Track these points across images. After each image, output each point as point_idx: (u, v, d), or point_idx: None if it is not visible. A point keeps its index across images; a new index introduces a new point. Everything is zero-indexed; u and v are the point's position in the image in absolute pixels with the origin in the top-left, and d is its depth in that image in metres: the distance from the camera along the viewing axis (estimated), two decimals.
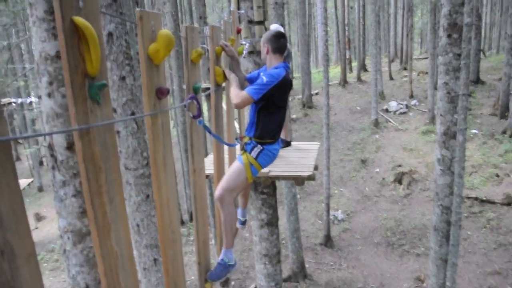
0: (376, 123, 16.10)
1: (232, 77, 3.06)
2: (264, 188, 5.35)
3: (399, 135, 15.01)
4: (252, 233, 6.28)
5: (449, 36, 5.26)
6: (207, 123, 2.61)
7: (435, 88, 16.40)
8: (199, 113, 2.37)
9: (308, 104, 19.94)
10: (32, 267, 1.03)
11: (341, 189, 13.04)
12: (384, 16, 26.90)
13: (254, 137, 3.10)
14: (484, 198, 10.25)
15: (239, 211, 4.01)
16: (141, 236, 4.16)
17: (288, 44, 3.48)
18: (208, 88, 10.92)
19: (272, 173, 4.69)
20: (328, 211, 10.93)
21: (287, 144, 5.79)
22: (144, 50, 1.76)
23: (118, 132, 3.84)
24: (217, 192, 2.96)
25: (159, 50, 1.80)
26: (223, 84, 3.21)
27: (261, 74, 3.05)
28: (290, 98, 20.26)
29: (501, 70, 15.97)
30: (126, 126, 3.83)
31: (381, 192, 12.41)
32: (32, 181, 14.23)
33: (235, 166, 3.09)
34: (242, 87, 3.21)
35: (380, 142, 14.90)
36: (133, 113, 3.88)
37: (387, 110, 17.37)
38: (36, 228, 15.97)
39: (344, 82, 22.75)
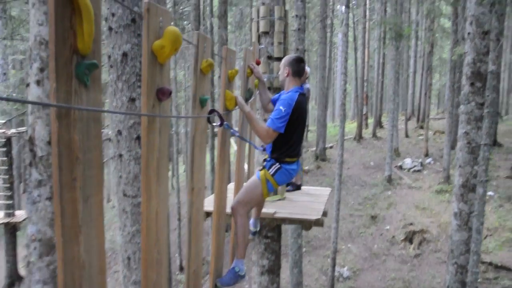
0: (389, 180, 15.74)
1: (248, 110, 3.00)
2: (269, 232, 5.06)
3: (412, 193, 14.59)
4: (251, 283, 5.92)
5: (472, 84, 5.11)
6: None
7: (452, 148, 16.18)
8: (222, 120, 2.59)
9: (321, 156, 19.74)
10: None
11: (349, 245, 12.53)
12: (403, 74, 27.13)
13: (272, 156, 3.21)
14: (500, 264, 9.68)
15: (251, 221, 3.93)
16: (130, 270, 3.87)
17: (308, 85, 3.50)
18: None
19: (278, 215, 4.42)
20: (333, 267, 10.43)
21: (297, 187, 5.55)
22: (148, 44, 1.61)
23: (120, 155, 3.67)
24: (233, 203, 3.10)
25: (165, 46, 1.66)
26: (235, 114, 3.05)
27: (278, 104, 3.10)
28: (303, 150, 20.12)
29: None
30: (130, 150, 3.66)
31: (390, 251, 11.88)
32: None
33: (252, 181, 3.21)
34: (265, 108, 3.57)
35: (392, 199, 14.48)
36: (138, 137, 3.72)
37: (401, 167, 17.04)
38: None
39: (359, 137, 22.61)
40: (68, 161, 1.23)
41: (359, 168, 17.97)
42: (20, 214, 13.77)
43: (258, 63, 3.91)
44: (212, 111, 2.48)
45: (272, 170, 3.13)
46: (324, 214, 4.73)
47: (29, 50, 1.53)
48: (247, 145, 3.73)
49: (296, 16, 9.00)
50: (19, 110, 12.23)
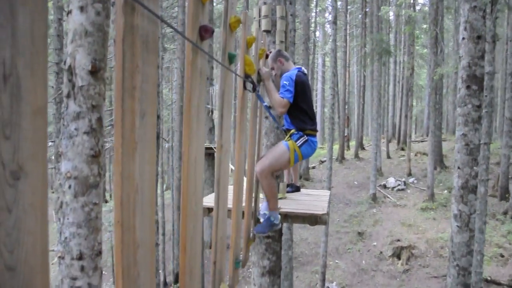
0: (374, 198, 15.79)
1: (271, 85, 3.36)
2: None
3: (398, 211, 14.64)
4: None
5: (468, 87, 5.19)
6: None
7: (435, 167, 16.41)
8: (255, 87, 2.86)
9: (305, 176, 19.78)
10: None
11: (337, 261, 12.40)
12: (384, 95, 27.68)
13: (297, 129, 3.47)
14: (489, 279, 9.70)
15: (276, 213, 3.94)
16: None
17: None
18: (210, 148, 10.77)
19: (283, 210, 4.31)
20: (323, 281, 10.28)
21: (297, 189, 5.47)
22: None
23: None
24: (259, 167, 3.34)
25: None
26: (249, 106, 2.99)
27: (281, 80, 3.50)
28: None
29: (498, 155, 16.05)
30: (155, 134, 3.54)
31: (379, 266, 11.79)
32: None
33: (280, 148, 3.45)
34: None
35: (378, 216, 14.49)
36: None
37: (385, 186, 17.15)
38: None
39: (342, 158, 22.78)
40: (130, 65, 1.13)
41: (343, 187, 18.01)
42: None
43: (267, 56, 3.90)
44: (247, 76, 2.65)
45: (299, 142, 3.41)
46: (328, 213, 4.65)
47: None
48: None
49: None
50: None
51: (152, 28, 1.23)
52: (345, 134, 25.37)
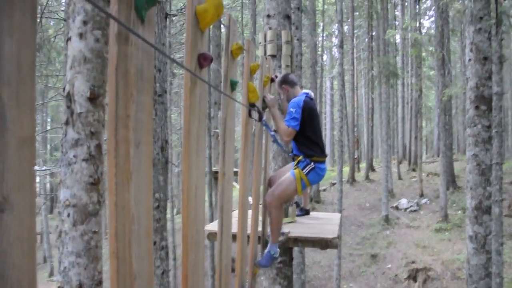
0: (387, 219, 15.55)
1: (276, 112, 3.39)
2: (280, 256, 4.85)
3: (411, 232, 14.38)
4: None
5: (476, 107, 5.14)
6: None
7: (447, 188, 16.16)
8: (261, 116, 2.95)
9: (316, 199, 19.62)
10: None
11: (351, 284, 12.13)
12: (393, 117, 27.59)
13: (305, 156, 3.48)
14: None
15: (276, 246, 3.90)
16: None
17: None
18: (216, 173, 10.75)
19: (293, 234, 4.25)
20: None
21: (306, 212, 5.40)
22: (192, 7, 1.56)
23: None
24: (268, 198, 3.43)
25: (208, 10, 1.61)
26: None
27: (288, 107, 3.51)
28: None
29: (511, 175, 15.80)
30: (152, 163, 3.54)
31: None
32: None
33: (287, 178, 3.48)
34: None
35: (391, 238, 14.23)
36: None
37: (397, 208, 16.90)
38: None
39: (352, 180, 22.59)
40: (124, 94, 1.13)
41: (354, 209, 17.78)
42: None
43: (272, 80, 3.91)
44: (253, 105, 2.71)
45: (306, 170, 3.43)
46: (339, 236, 4.56)
47: (72, 5, 1.45)
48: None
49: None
50: None
51: (146, 57, 1.23)
52: (355, 156, 25.22)
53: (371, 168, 25.58)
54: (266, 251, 3.55)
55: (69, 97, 1.41)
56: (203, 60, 1.62)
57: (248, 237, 3.17)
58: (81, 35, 1.41)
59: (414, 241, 13.51)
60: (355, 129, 25.97)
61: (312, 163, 3.44)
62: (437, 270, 11.52)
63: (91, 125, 1.43)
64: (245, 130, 2.55)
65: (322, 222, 4.85)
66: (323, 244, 4.18)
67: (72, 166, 1.41)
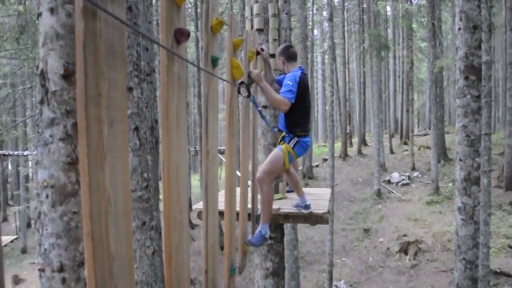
0: (379, 194, 15.70)
1: (266, 85, 3.39)
2: (272, 232, 4.88)
3: (403, 206, 14.54)
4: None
5: (466, 78, 5.12)
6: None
7: (439, 160, 16.28)
8: (249, 92, 3.00)
9: (308, 175, 19.71)
10: None
11: (344, 259, 12.31)
12: (385, 90, 27.55)
13: (289, 132, 3.67)
14: (499, 270, 9.58)
15: (299, 199, 4.15)
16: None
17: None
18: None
19: (283, 210, 4.26)
20: (330, 280, 10.19)
21: None
22: None
23: None
24: (258, 174, 3.52)
25: None
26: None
27: (285, 80, 3.56)
28: None
29: (501, 146, 15.92)
30: (128, 141, 3.49)
31: (386, 263, 11.70)
32: (16, 238, 13.43)
33: (275, 153, 3.63)
34: (272, 87, 3.75)
35: (383, 212, 14.40)
36: (136, 128, 3.57)
37: (389, 182, 17.05)
38: None
39: (344, 155, 22.69)
40: (93, 72, 1.09)
41: (347, 184, 17.92)
42: (2, 240, 13.37)
43: (258, 53, 3.87)
44: (241, 82, 2.80)
45: (291, 144, 3.61)
46: (329, 211, 4.58)
47: None
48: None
49: (282, 28, 9.05)
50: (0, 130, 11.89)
51: (117, 33, 1.18)
52: (347, 131, 25.27)
53: (363, 142, 25.68)
54: (257, 230, 3.61)
55: (43, 75, 1.36)
56: (179, 36, 1.57)
57: (238, 214, 3.17)
58: (52, 10, 1.35)
59: (405, 215, 13.67)
60: (347, 104, 25.94)
61: (296, 137, 3.62)
62: (428, 243, 11.70)
63: (67, 103, 1.39)
64: (230, 108, 2.51)
65: (312, 198, 4.84)
66: (314, 219, 4.20)
67: (48, 146, 1.38)
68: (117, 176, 1.20)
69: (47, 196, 1.40)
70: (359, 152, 23.26)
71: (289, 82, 3.46)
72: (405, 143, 22.84)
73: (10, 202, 26.76)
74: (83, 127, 1.05)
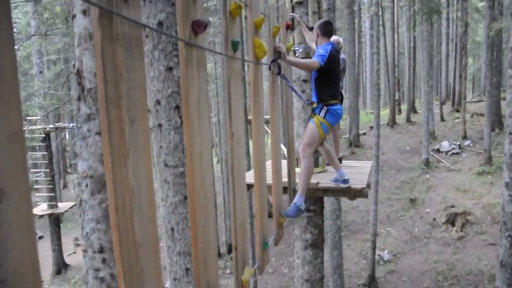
0: (427, 163, 15.29)
1: (291, 59, 3.43)
2: (311, 205, 4.96)
3: (452, 176, 14.11)
4: (292, 266, 5.85)
5: None
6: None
7: (492, 129, 15.54)
8: (280, 70, 3.10)
9: (355, 143, 19.46)
10: None
11: (388, 229, 12.25)
12: (435, 57, 26.28)
13: (319, 101, 3.80)
14: None
15: (337, 173, 4.23)
16: (174, 241, 3.86)
17: (344, 56, 4.52)
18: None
19: (322, 185, 4.31)
20: (374, 250, 10.23)
21: (338, 160, 5.42)
22: None
23: (160, 125, 3.65)
24: (300, 147, 3.76)
25: None
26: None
27: (316, 51, 3.72)
28: None
29: None
30: (169, 119, 3.63)
31: (432, 234, 11.53)
32: (74, 205, 14.41)
33: (309, 127, 3.79)
34: (310, 45, 4.26)
35: (431, 182, 14.06)
36: (177, 106, 3.68)
37: (438, 151, 16.53)
38: (74, 253, 16.01)
39: (393, 122, 22.11)
40: (113, 76, 1.17)
41: (394, 153, 17.56)
42: (62, 206, 14.34)
43: (288, 27, 3.87)
44: (273, 61, 2.97)
45: (322, 114, 3.73)
46: (368, 185, 4.58)
47: None
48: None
49: None
50: (56, 104, 12.56)
51: (135, 35, 1.25)
52: (396, 98, 24.50)
53: (412, 109, 24.85)
54: (293, 202, 3.71)
55: (79, 74, 1.47)
56: (197, 27, 1.62)
57: (270, 187, 3.28)
58: (84, 12, 1.44)
59: (454, 185, 13.28)
60: (396, 70, 25.05)
61: (325, 107, 3.74)
62: (477, 215, 11.36)
63: None
64: (255, 88, 2.55)
65: (353, 171, 4.85)
66: (352, 193, 4.23)
67: (86, 139, 1.49)
68: (140, 169, 1.30)
69: (86, 185, 1.54)
70: (408, 120, 22.57)
71: (320, 51, 3.61)
72: (457, 110, 21.89)
73: (69, 170, 28.52)
74: (105, 128, 1.15)
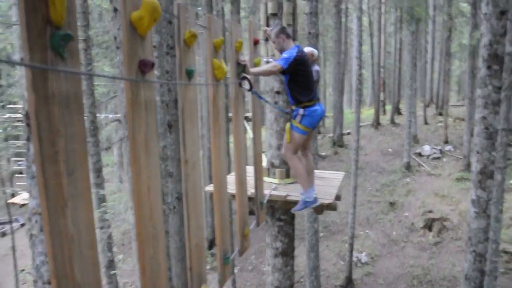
0: (408, 166, 15.53)
1: (254, 70, 3.44)
2: (281, 215, 5.05)
3: (432, 180, 14.36)
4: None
5: (489, 67, 4.96)
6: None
7: (472, 135, 15.81)
8: (251, 86, 3.19)
9: (338, 142, 19.64)
10: None
11: (367, 231, 12.44)
12: (420, 59, 26.52)
13: (296, 103, 3.86)
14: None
15: (305, 193, 4.14)
16: None
17: (318, 67, 4.65)
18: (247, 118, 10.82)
19: (290, 198, 4.39)
20: (351, 252, 10.39)
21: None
22: (126, 16, 1.58)
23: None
24: (283, 151, 4.05)
25: (143, 17, 1.62)
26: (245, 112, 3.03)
27: (282, 55, 3.75)
28: (320, 136, 19.99)
29: None
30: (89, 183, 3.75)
31: (409, 238, 11.75)
32: None
33: (287, 130, 3.91)
34: None
35: (411, 185, 14.29)
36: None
37: (420, 154, 16.78)
38: None
39: (377, 123, 22.32)
40: (49, 134, 1.21)
41: (377, 154, 17.78)
42: None
43: (255, 42, 3.86)
44: (244, 77, 3.10)
45: (298, 119, 3.82)
46: (337, 198, 4.67)
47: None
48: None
49: None
50: (107, 96, 12.79)
51: (72, 86, 1.29)
52: (381, 99, 24.73)
53: (397, 111, 25.10)
54: (301, 198, 4.07)
55: (27, 116, 1.51)
56: (143, 67, 1.65)
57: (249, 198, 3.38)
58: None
59: (433, 190, 13.51)
60: (383, 70, 25.23)
61: (302, 110, 3.80)
62: (454, 221, 11.60)
63: None
64: (215, 108, 2.59)
65: (322, 184, 4.94)
66: (319, 208, 4.30)
67: (35, 179, 1.54)
68: (80, 216, 1.35)
69: (36, 221, 1.59)
70: (392, 121, 22.81)
71: (284, 55, 3.66)
72: (440, 114, 22.19)
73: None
74: (41, 184, 1.20)
